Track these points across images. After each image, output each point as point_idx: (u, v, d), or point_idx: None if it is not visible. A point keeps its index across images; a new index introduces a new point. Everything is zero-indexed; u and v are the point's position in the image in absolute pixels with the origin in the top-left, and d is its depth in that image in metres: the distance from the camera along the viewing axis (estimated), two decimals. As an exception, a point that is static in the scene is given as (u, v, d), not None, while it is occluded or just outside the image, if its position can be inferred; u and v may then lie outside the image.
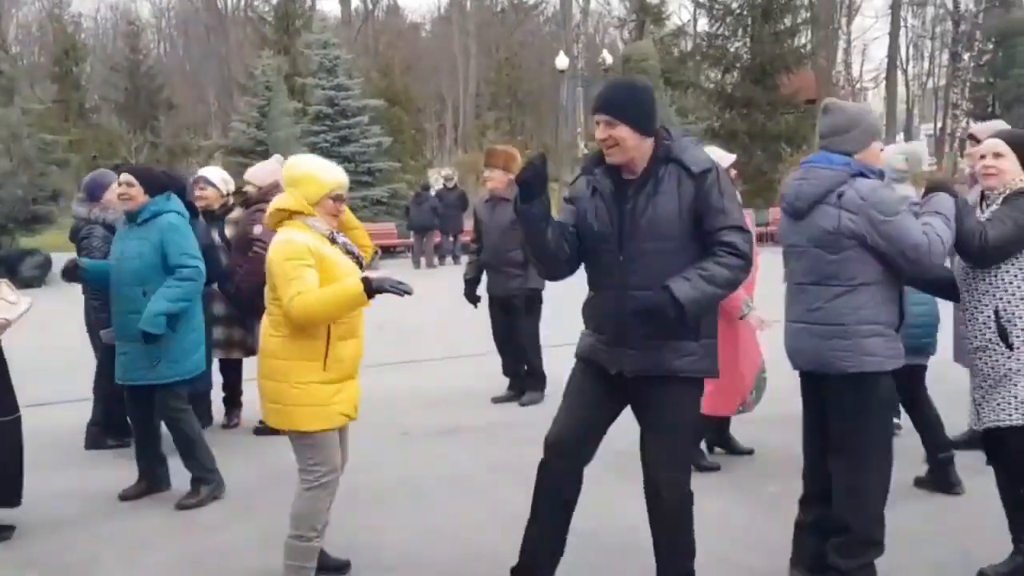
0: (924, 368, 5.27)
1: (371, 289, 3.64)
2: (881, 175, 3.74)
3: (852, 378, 3.63)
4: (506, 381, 7.77)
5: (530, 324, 7.50)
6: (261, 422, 6.45)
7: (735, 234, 3.37)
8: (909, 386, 5.05)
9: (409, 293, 3.68)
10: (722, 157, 5.32)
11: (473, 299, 7.61)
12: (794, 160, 23.92)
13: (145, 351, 5.12)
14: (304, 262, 3.70)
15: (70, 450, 6.34)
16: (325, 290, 3.67)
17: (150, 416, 5.39)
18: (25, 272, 19.41)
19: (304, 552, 3.88)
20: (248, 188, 6.66)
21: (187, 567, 4.42)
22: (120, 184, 5.25)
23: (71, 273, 5.35)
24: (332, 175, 3.93)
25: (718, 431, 5.93)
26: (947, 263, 4.02)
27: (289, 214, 3.86)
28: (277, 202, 3.92)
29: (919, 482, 5.22)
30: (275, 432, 4.14)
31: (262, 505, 5.19)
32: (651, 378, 3.48)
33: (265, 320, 3.92)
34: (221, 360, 6.85)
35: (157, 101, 49.47)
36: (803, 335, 3.76)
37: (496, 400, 7.60)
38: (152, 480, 5.46)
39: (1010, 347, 3.73)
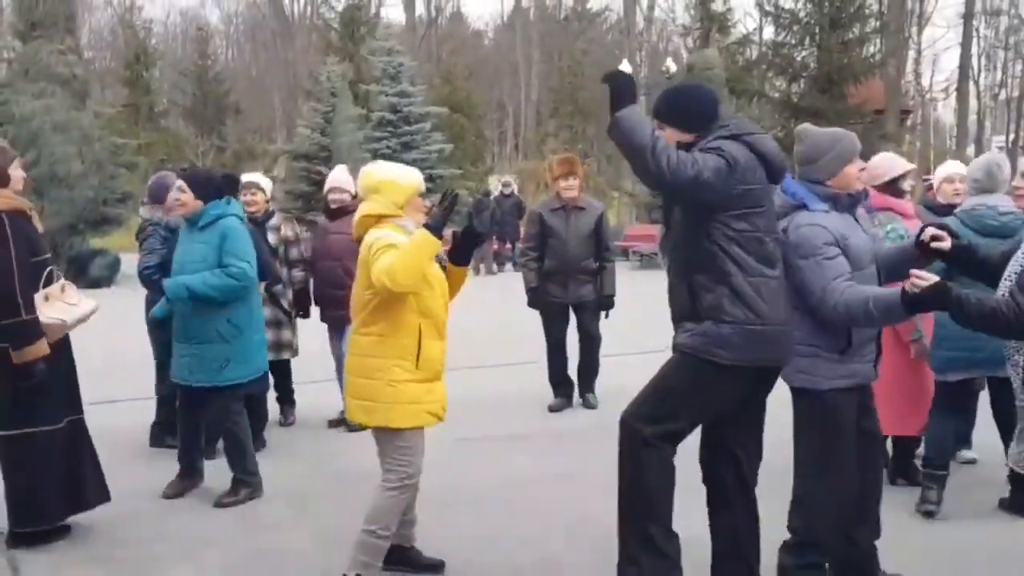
0: (972, 381, 5.10)
1: (434, 228, 3.76)
2: (843, 201, 3.77)
3: (793, 391, 3.83)
4: (546, 387, 7.84)
5: (597, 327, 7.65)
6: (341, 413, 6.52)
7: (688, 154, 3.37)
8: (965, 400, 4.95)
9: (456, 195, 3.92)
10: (892, 167, 5.28)
11: (541, 306, 7.66)
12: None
13: (210, 354, 5.20)
14: (386, 248, 3.79)
15: (135, 448, 6.45)
16: (400, 254, 3.74)
17: (200, 417, 5.48)
18: (94, 272, 19.88)
19: (374, 549, 3.92)
20: (337, 197, 6.81)
21: (248, 566, 4.45)
22: (175, 189, 5.36)
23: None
24: (415, 176, 4.08)
25: (905, 455, 5.50)
26: None
27: (376, 219, 3.94)
28: (364, 209, 4.01)
29: (1002, 504, 5.07)
30: (356, 429, 4.15)
31: (322, 505, 5.23)
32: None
33: (356, 320, 3.98)
34: (271, 362, 6.92)
35: (224, 106, 50.35)
36: None
37: (553, 409, 7.61)
38: (191, 475, 5.57)
39: None
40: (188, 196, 5.27)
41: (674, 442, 3.57)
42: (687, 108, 3.59)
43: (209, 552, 4.63)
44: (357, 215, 4.04)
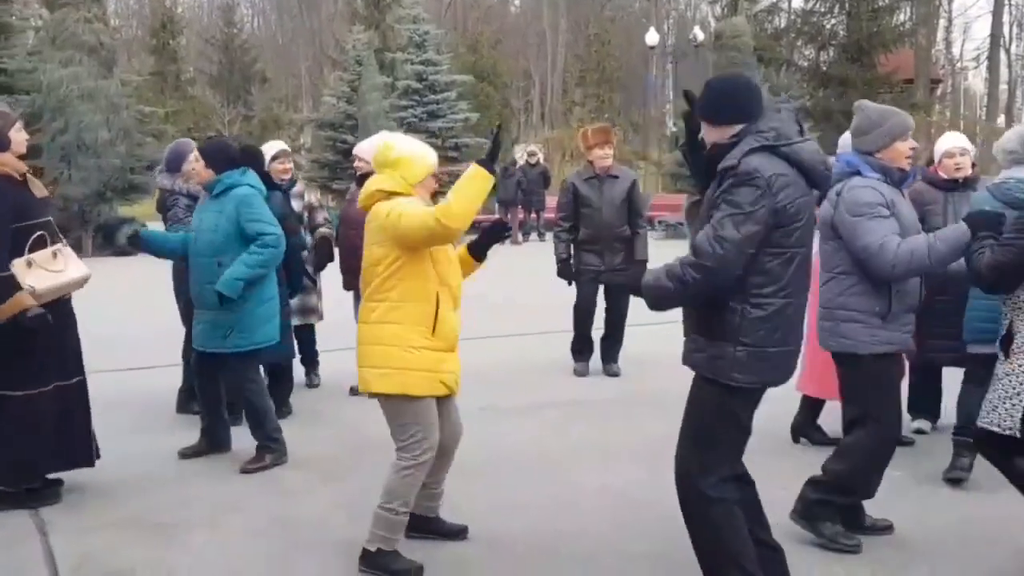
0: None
1: (487, 163, 3.78)
2: (894, 175, 4.07)
3: (835, 356, 4.15)
4: (570, 358, 7.92)
5: (627, 299, 7.67)
6: (354, 388, 6.58)
7: (702, 233, 3.27)
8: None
9: (499, 127, 4.02)
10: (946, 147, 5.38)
11: (570, 276, 7.73)
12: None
13: (218, 321, 5.26)
14: (408, 206, 3.79)
15: (162, 413, 6.51)
16: (455, 191, 3.71)
17: (216, 381, 5.54)
18: (122, 239, 19.99)
19: (393, 524, 3.93)
20: (359, 164, 6.75)
21: (272, 531, 4.49)
22: (191, 158, 5.41)
23: (133, 240, 5.57)
24: (431, 156, 4.02)
25: (810, 417, 5.78)
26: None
27: (387, 195, 3.91)
28: (376, 183, 3.97)
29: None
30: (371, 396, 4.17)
31: (347, 472, 5.27)
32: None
33: (369, 289, 3.94)
34: (296, 326, 7.06)
35: (250, 74, 50.42)
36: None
37: (579, 374, 7.73)
38: (212, 441, 5.62)
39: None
40: (199, 166, 5.35)
41: (733, 483, 3.47)
42: (721, 104, 3.42)
43: (233, 517, 4.68)
44: (368, 187, 4.00)
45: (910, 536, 4.29)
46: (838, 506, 4.17)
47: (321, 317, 7.23)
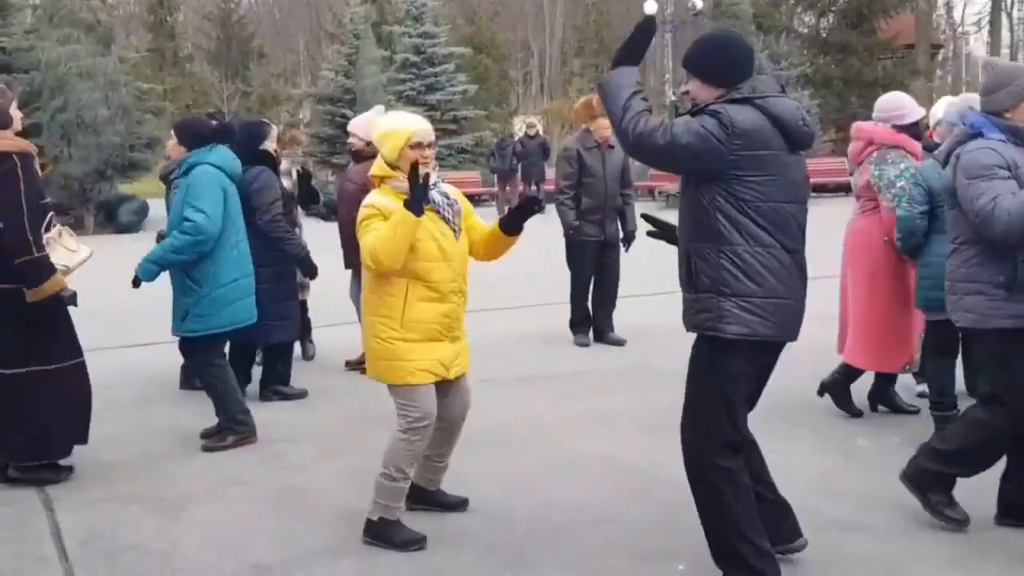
0: None
1: (414, 207, 3.72)
2: (1023, 134, 3.79)
3: (965, 331, 4.02)
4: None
5: (619, 263, 7.79)
6: (361, 356, 6.62)
7: (664, 121, 3.25)
8: None
9: (426, 177, 3.74)
10: (914, 109, 5.35)
11: (578, 245, 7.70)
12: (891, 107, 23.10)
13: (177, 304, 5.31)
14: (373, 220, 3.80)
15: (165, 389, 6.55)
16: (380, 231, 3.74)
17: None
18: (123, 218, 20.05)
19: (391, 491, 3.96)
20: (352, 140, 6.73)
21: (277, 503, 4.54)
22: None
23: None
24: (404, 123, 3.94)
25: (881, 388, 5.69)
26: None
27: (380, 180, 3.96)
28: (371, 169, 4.02)
29: None
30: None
31: (350, 445, 5.30)
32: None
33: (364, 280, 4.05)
34: None
35: (248, 50, 50.13)
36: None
37: (583, 345, 7.73)
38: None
39: None
40: (172, 142, 5.40)
41: (736, 449, 3.43)
42: (713, 60, 3.39)
43: (238, 490, 4.72)
44: (371, 175, 4.05)
45: (915, 501, 4.32)
46: (949, 476, 4.04)
47: (307, 291, 7.30)
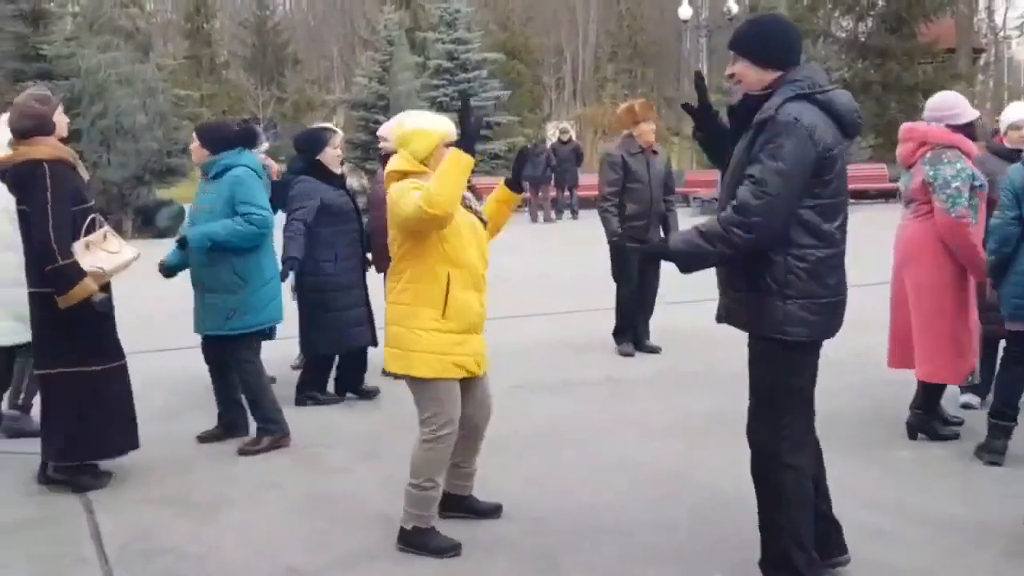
0: None
1: (466, 146, 3.72)
2: None
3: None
4: (605, 334, 7.83)
5: (659, 269, 7.67)
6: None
7: (745, 188, 3.18)
8: None
9: (468, 104, 3.83)
10: (967, 110, 5.16)
11: (622, 251, 7.58)
12: (929, 112, 22.79)
13: (220, 304, 5.33)
14: (415, 187, 3.75)
15: (198, 394, 6.59)
16: (436, 177, 3.68)
17: (223, 364, 5.58)
18: (160, 222, 20.28)
19: (422, 500, 3.95)
20: (384, 145, 6.74)
21: (311, 508, 4.55)
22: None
23: (168, 273, 5.64)
24: (439, 125, 3.93)
25: (930, 400, 5.33)
26: None
27: (401, 175, 3.90)
28: (391, 163, 3.97)
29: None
30: (397, 377, 4.19)
31: (385, 450, 5.31)
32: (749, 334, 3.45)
33: (391, 269, 3.99)
34: None
35: (283, 56, 50.53)
36: None
37: (627, 355, 7.61)
38: (229, 425, 5.66)
39: None
40: (195, 145, 5.42)
41: (805, 450, 3.42)
42: (764, 41, 3.32)
43: (273, 494, 4.75)
44: (387, 170, 4.01)
45: (960, 516, 4.26)
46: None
47: None
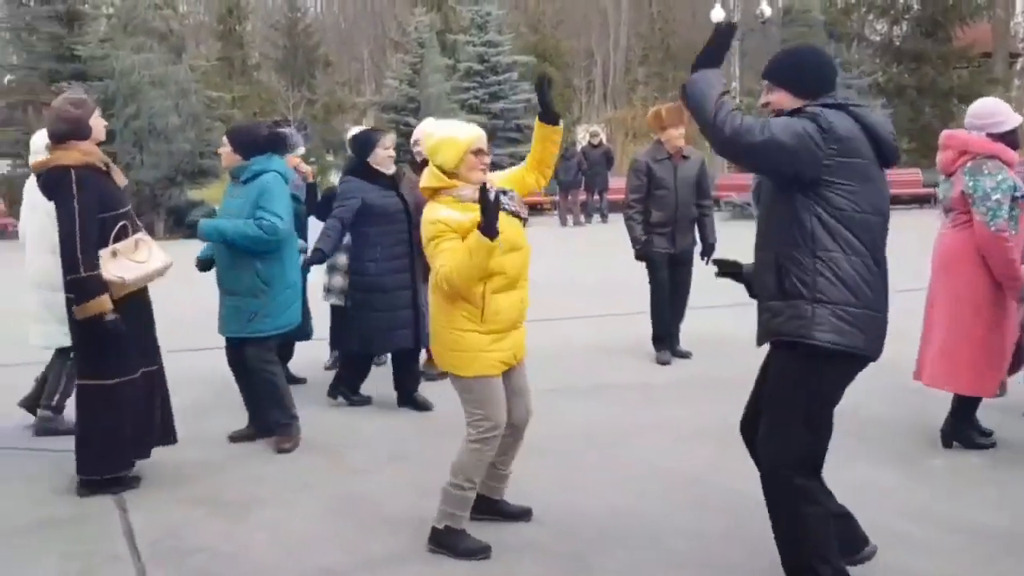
0: None
1: (487, 231, 3.61)
2: None
3: None
4: (641, 338, 7.74)
5: (691, 276, 7.59)
6: (425, 363, 6.66)
7: (760, 118, 3.18)
8: None
9: (497, 197, 3.64)
10: (1011, 117, 5.03)
11: (648, 258, 7.53)
12: (965, 117, 22.55)
13: (242, 306, 5.34)
14: (444, 239, 3.74)
15: (229, 394, 6.61)
16: (456, 255, 3.69)
17: (245, 366, 5.59)
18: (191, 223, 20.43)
19: (459, 500, 3.96)
20: (417, 149, 6.76)
21: (341, 509, 4.56)
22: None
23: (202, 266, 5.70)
24: (465, 132, 3.90)
25: (965, 410, 5.22)
26: None
27: (433, 192, 3.89)
28: (423, 180, 3.96)
29: None
30: (435, 378, 4.21)
31: (413, 452, 5.31)
32: (773, 344, 3.40)
33: (431, 274, 3.96)
34: None
35: (314, 58, 50.79)
36: None
37: (664, 362, 7.50)
38: (260, 426, 5.66)
39: None
40: (226, 150, 5.43)
41: (818, 470, 3.38)
42: (800, 71, 3.35)
43: (303, 495, 4.76)
44: (420, 185, 3.99)
45: (994, 524, 4.19)
46: None
47: None
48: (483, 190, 3.63)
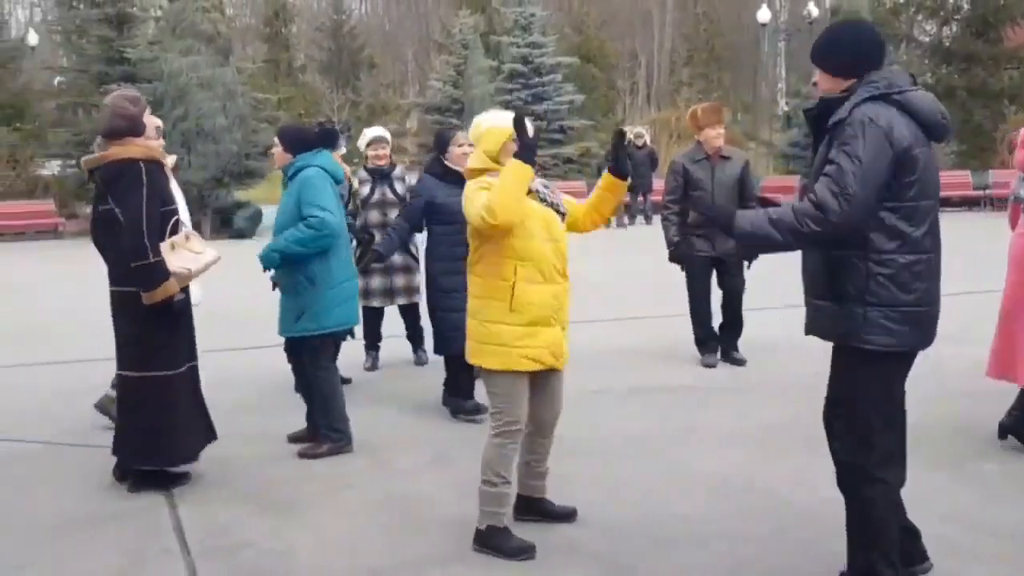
0: None
1: (526, 158, 3.78)
2: None
3: None
4: (684, 340, 7.66)
5: (742, 282, 7.47)
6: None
7: (823, 184, 3.12)
8: None
9: (521, 119, 3.82)
10: None
11: (683, 260, 7.45)
12: (1019, 119, 22.20)
13: (290, 305, 5.37)
14: (483, 188, 3.87)
15: (281, 393, 6.69)
16: (495, 187, 3.79)
17: (302, 365, 5.62)
18: (238, 223, 20.70)
19: (495, 497, 3.98)
20: (467, 150, 6.82)
21: (386, 509, 4.59)
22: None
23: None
24: (506, 120, 4.02)
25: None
26: None
27: (479, 173, 4.03)
28: (469, 162, 4.14)
29: None
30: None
31: (457, 454, 5.33)
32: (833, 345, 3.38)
33: (468, 263, 4.09)
34: (402, 305, 7.47)
35: (358, 60, 51.13)
36: None
37: (709, 366, 7.42)
38: (314, 427, 5.65)
39: None
40: (278, 150, 5.50)
41: (893, 465, 3.35)
42: (835, 49, 3.32)
43: (349, 494, 4.80)
44: (467, 168, 4.15)
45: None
46: None
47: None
48: (518, 115, 3.85)
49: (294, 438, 5.68)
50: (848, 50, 3.29)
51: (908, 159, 3.13)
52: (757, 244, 3.29)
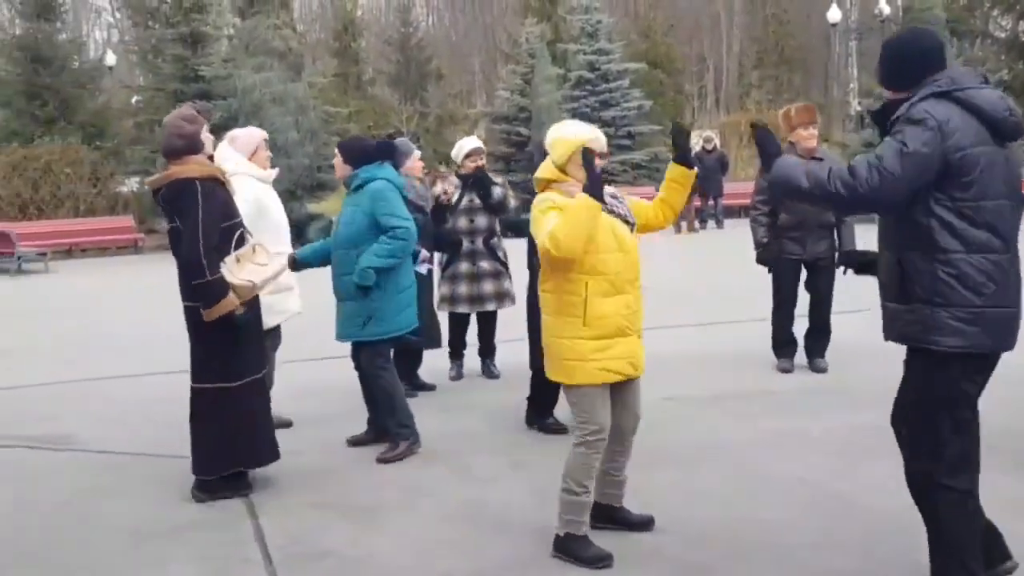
0: None
1: (594, 193, 3.78)
2: None
3: None
4: (760, 346, 7.53)
5: (831, 288, 7.26)
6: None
7: (864, 157, 3.14)
8: None
9: (587, 157, 3.84)
10: None
11: (772, 262, 7.30)
12: (1102, 113, 21.42)
13: (356, 310, 5.42)
14: (551, 211, 3.85)
15: (347, 400, 6.74)
16: (562, 219, 3.79)
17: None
18: (311, 235, 20.98)
19: (574, 506, 3.97)
20: None
21: (464, 516, 4.60)
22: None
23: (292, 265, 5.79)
24: (576, 130, 4.03)
25: None
26: None
27: (546, 183, 4.03)
28: (537, 172, 4.11)
29: None
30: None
31: (531, 459, 5.33)
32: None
33: (539, 279, 4.10)
34: (480, 313, 7.40)
35: (426, 72, 51.51)
36: None
37: (785, 371, 7.29)
38: (379, 430, 5.73)
39: None
40: (337, 160, 5.62)
41: (965, 471, 3.27)
42: (893, 70, 3.33)
43: (426, 501, 4.82)
44: (536, 174, 4.14)
45: None
46: None
47: (514, 301, 7.26)
48: (586, 150, 3.84)
49: (354, 441, 5.76)
50: (900, 67, 3.32)
51: (964, 157, 3.07)
52: (782, 183, 3.30)
